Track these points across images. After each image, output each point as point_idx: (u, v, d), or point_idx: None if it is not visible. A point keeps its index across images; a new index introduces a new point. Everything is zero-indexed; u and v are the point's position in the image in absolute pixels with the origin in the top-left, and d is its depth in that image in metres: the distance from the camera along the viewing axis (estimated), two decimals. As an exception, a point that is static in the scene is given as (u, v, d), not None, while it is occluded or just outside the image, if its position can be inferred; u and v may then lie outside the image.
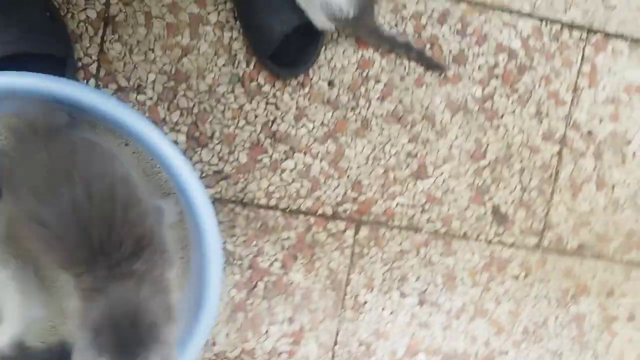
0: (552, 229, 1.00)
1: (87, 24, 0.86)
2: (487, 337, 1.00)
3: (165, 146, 0.72)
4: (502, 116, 0.96)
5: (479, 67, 0.95)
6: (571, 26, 0.96)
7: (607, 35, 0.97)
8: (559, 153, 0.98)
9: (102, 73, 0.87)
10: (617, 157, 1.00)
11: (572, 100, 0.98)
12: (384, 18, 0.92)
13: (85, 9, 0.86)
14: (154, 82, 0.89)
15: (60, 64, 0.83)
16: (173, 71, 0.89)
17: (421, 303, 0.98)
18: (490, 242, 0.99)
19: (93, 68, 0.87)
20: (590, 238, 1.01)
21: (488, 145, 0.97)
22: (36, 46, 0.79)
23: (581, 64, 0.97)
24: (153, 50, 0.88)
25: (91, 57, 0.87)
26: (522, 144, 0.97)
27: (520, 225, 0.99)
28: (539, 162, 0.98)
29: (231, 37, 0.90)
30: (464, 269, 0.98)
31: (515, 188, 0.98)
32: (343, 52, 0.92)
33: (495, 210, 0.98)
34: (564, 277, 1.01)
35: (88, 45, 0.87)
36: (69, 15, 0.86)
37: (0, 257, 0.73)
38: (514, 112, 0.96)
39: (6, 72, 0.69)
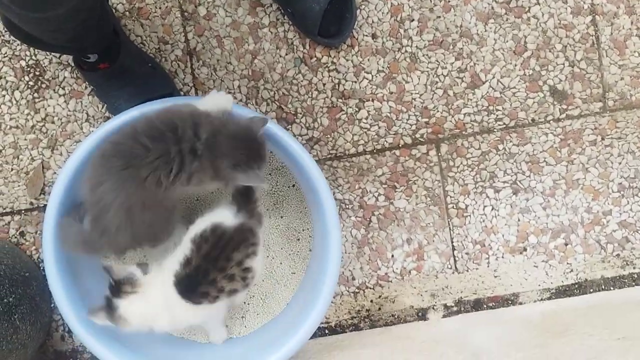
0: (611, 89, 1.09)
1: (177, 62, 1.11)
2: (586, 204, 1.10)
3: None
4: (528, 9, 1.07)
5: (494, -24, 1.07)
6: None
7: None
8: (593, 21, 1.07)
9: (199, 94, 1.11)
10: (653, 6, 1.07)
11: (588, -28, 1.07)
12: (399, -32, 1.08)
13: (172, 50, 1.10)
14: (239, 87, 1.11)
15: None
16: (250, 73, 1.10)
17: (515, 192, 1.10)
18: (558, 119, 1.09)
19: (192, 93, 1.11)
20: (654, 87, 1.08)
21: (526, 37, 1.08)
22: (150, 94, 1.04)
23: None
24: (230, 63, 1.10)
25: (188, 85, 1.11)
26: (556, 26, 1.08)
27: (581, 96, 1.09)
28: (577, 36, 1.08)
29: (285, 30, 1.10)
30: (543, 150, 1.09)
31: (564, 65, 1.08)
32: (375, 7, 1.09)
33: (553, 91, 1.09)
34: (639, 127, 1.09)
35: (183, 76, 1.11)
36: (163, 59, 1.11)
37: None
38: (538, 1, 1.07)
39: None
